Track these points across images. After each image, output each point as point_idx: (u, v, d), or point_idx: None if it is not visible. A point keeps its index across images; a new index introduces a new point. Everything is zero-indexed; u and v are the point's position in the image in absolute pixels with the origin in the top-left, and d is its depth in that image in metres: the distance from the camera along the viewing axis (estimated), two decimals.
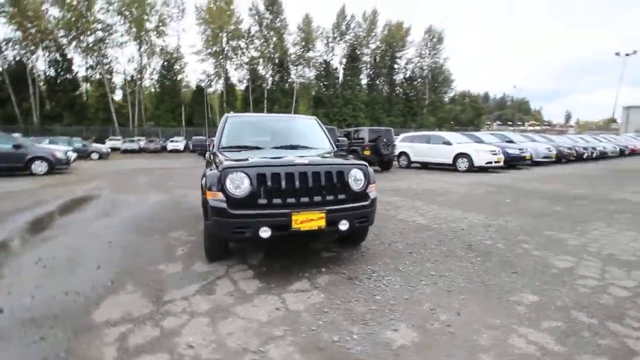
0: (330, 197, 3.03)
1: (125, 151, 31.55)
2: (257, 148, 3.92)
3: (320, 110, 47.28)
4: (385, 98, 51.33)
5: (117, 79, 43.14)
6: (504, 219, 5.11)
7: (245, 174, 2.89)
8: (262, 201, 2.88)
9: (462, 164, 12.35)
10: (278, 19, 45.24)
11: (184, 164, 17.79)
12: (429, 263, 3.34)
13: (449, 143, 13.02)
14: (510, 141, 15.32)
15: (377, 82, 52.53)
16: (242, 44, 45.13)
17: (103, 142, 29.33)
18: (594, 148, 18.38)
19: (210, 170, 3.14)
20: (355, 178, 3.16)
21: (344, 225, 3.00)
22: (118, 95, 45.11)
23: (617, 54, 33.56)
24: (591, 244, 3.86)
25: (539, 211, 5.63)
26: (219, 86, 46.80)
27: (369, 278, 2.98)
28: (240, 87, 48.37)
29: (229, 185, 2.87)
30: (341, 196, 3.08)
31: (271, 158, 3.32)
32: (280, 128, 4.58)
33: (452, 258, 3.48)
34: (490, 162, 12.10)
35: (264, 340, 2.08)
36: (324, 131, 4.67)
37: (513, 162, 13.43)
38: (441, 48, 52.12)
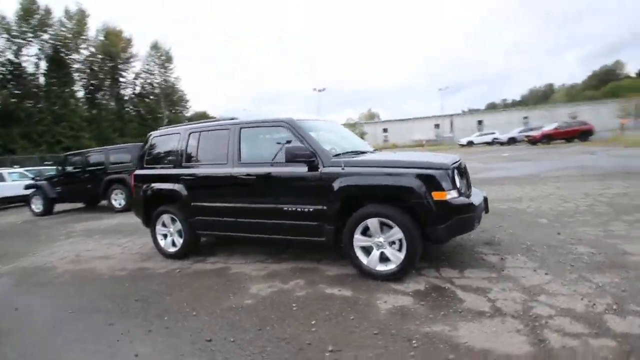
0: None
1: None
2: (363, 152, 3.62)
3: (16, 129, 33.42)
4: (115, 115, 43.83)
5: None
6: None
7: (456, 169, 3.02)
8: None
9: None
10: None
11: None
12: (548, 232, 4.05)
13: None
14: None
15: (99, 95, 43.85)
16: None
17: None
18: None
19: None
20: None
21: None
22: None
23: (314, 89, 47.46)
24: (569, 197, 5.89)
25: None
26: None
27: (532, 252, 3.55)
28: None
29: (456, 181, 2.90)
30: None
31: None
32: (349, 133, 4.22)
33: (536, 227, 4.32)
34: None
35: None
36: None
37: None
38: (171, 67, 51.20)
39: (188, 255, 4.21)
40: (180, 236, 4.16)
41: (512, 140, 28.41)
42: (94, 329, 2.61)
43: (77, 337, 2.51)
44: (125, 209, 8.95)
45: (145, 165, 4.48)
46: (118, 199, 9.08)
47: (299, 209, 3.32)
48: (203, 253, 4.34)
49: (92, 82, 42.93)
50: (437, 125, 52.03)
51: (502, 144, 29.03)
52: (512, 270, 3.04)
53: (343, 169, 3.12)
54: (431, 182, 2.82)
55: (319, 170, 3.21)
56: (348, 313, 2.51)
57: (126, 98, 47.76)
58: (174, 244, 4.24)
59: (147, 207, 4.37)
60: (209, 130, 4.02)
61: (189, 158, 4.06)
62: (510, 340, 2.03)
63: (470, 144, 32.16)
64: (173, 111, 54.40)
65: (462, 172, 3.20)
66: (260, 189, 3.55)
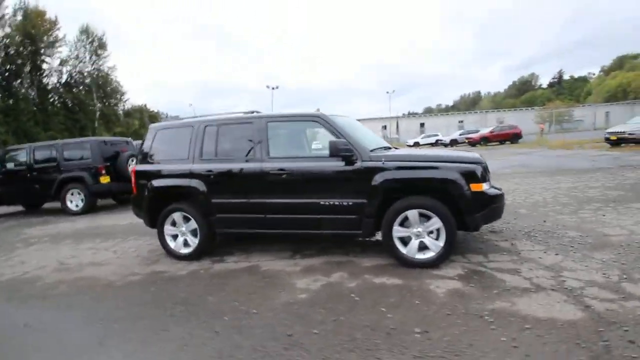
0: None
1: None
2: (389, 148, 3.80)
3: None
4: (37, 107, 38.39)
5: None
6: None
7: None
8: None
9: None
10: None
11: None
12: (535, 220, 4.68)
13: None
14: None
15: (17, 84, 38.05)
16: None
17: None
18: None
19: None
20: None
21: None
22: None
23: (267, 86, 46.32)
24: (531, 190, 6.85)
25: None
26: None
27: (534, 237, 4.37)
28: None
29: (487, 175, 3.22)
30: None
31: None
32: (367, 129, 4.32)
33: (522, 216, 4.87)
34: None
35: None
36: None
37: None
38: (105, 55, 46.32)
39: (201, 256, 3.99)
40: (195, 235, 3.93)
41: (454, 142, 31.08)
42: (151, 337, 2.40)
43: (138, 345, 2.29)
44: (84, 211, 8.03)
45: (149, 161, 4.13)
46: (75, 201, 8.10)
47: (337, 203, 3.38)
48: (217, 253, 4.15)
49: (7, 67, 37.11)
50: (384, 127, 54.65)
51: (445, 145, 31.59)
52: (527, 253, 3.47)
53: (384, 163, 3.26)
54: (470, 175, 3.10)
55: (359, 164, 3.31)
56: (411, 298, 2.67)
57: (50, 87, 42.15)
58: (186, 244, 3.99)
59: (154, 206, 4.04)
60: (229, 124, 3.87)
61: (206, 152, 3.85)
62: (564, 309, 2.36)
63: (417, 144, 34.44)
64: (107, 103, 49.48)
65: (487, 167, 3.55)
66: (293, 184, 3.53)
